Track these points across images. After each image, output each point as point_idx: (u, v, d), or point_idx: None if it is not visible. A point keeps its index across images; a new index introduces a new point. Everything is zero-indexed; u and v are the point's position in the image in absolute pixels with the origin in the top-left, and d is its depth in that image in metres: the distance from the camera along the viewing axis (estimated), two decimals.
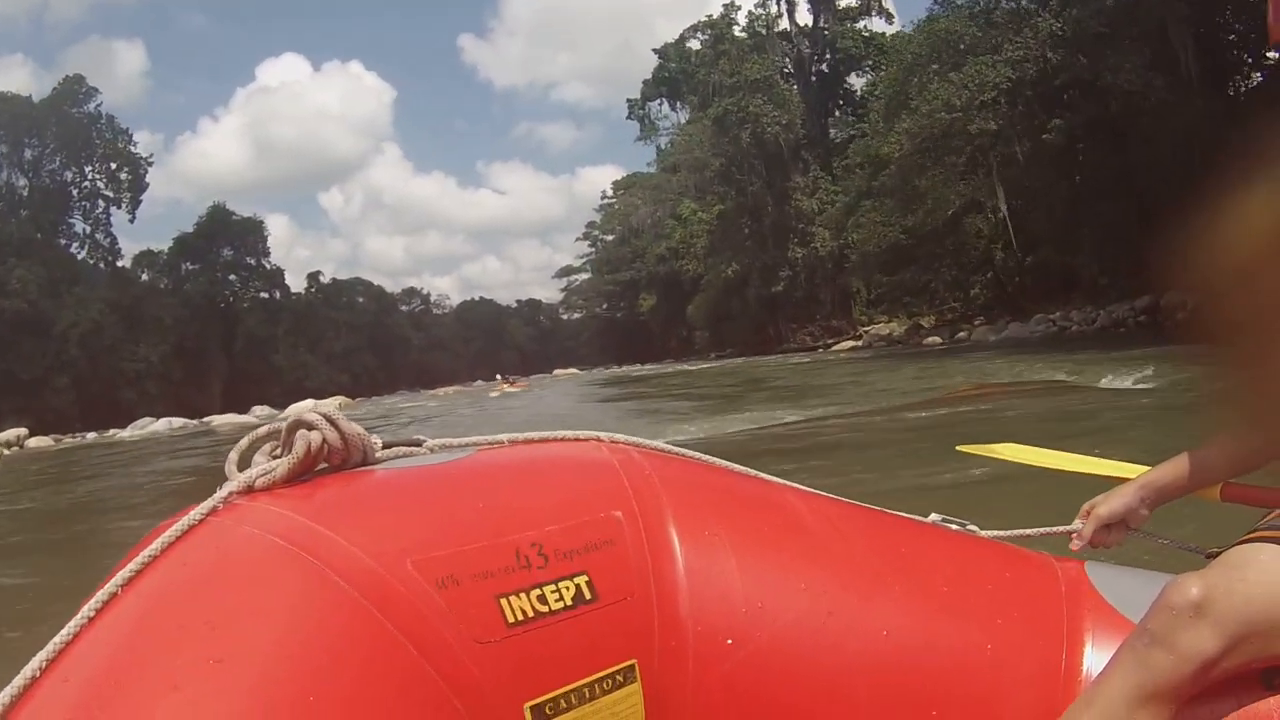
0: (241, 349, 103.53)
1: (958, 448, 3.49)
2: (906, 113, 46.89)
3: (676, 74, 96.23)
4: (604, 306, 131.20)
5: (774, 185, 78.58)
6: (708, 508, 1.77)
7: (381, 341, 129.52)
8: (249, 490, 1.54)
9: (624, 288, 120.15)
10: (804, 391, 25.74)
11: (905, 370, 28.26)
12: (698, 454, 1.96)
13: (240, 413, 72.31)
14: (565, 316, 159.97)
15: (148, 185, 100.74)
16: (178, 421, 64.16)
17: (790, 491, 1.92)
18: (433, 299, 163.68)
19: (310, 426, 1.59)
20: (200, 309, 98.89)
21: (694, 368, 65.48)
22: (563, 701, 1.50)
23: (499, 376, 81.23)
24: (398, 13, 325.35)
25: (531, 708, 1.47)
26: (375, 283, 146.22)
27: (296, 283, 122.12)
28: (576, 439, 1.88)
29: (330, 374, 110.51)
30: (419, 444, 1.78)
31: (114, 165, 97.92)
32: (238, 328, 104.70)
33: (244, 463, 1.61)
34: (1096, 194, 41.48)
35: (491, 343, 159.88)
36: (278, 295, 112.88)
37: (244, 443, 1.65)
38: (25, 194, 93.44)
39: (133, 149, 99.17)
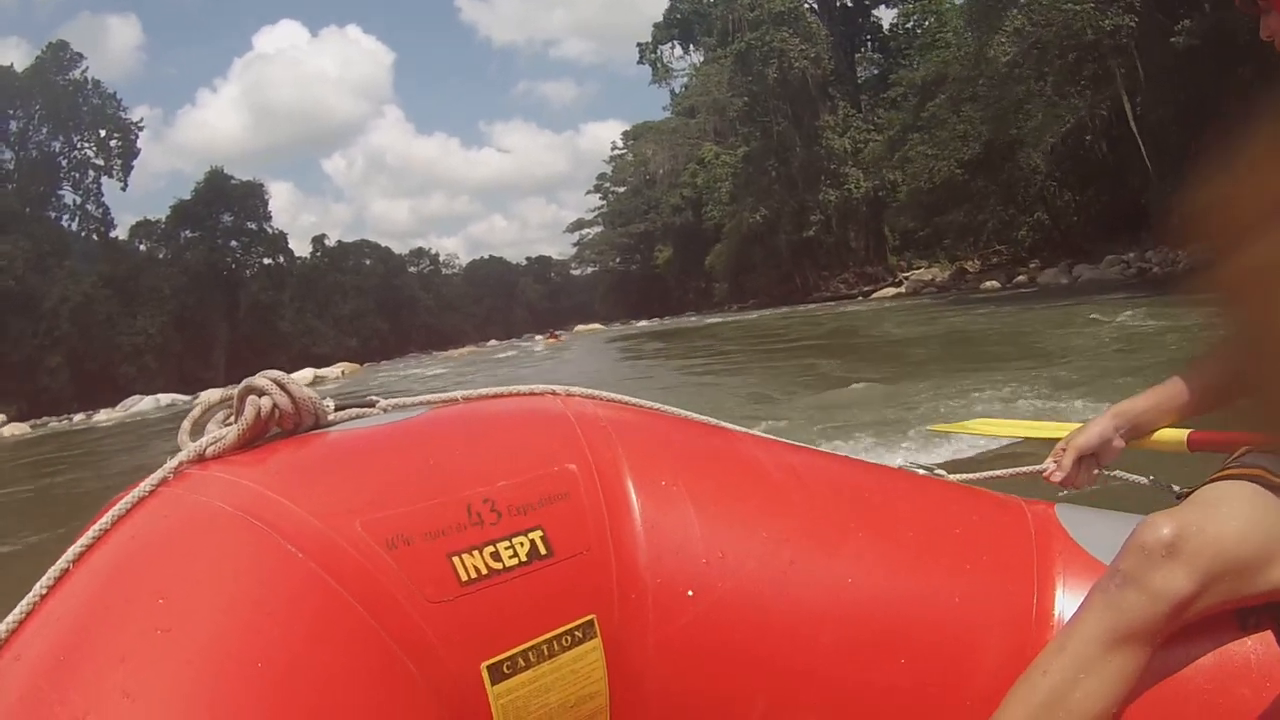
0: (246, 317, 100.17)
1: (928, 428, 3.71)
2: (1016, 10, 40.50)
3: (689, 15, 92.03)
4: (617, 260, 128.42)
5: (802, 125, 74.47)
6: (665, 458, 1.76)
7: (390, 304, 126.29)
8: (200, 459, 1.55)
9: (638, 240, 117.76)
10: (980, 352, 18.72)
11: (1055, 320, 21.45)
12: (655, 404, 1.94)
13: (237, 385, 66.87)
14: (577, 272, 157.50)
15: (139, 151, 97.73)
16: (166, 399, 60.30)
17: (751, 440, 1.92)
18: (441, 259, 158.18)
19: (260, 392, 1.60)
20: (201, 278, 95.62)
21: (731, 319, 61.15)
22: (520, 659, 1.51)
23: (549, 333, 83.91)
24: None
25: (489, 667, 1.48)
26: (382, 245, 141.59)
27: (303, 249, 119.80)
28: (531, 393, 1.87)
29: (339, 339, 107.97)
30: (372, 405, 1.77)
31: (103, 132, 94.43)
32: (241, 295, 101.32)
33: (197, 431, 1.62)
34: (1199, 114, 34.02)
35: (502, 301, 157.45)
36: (282, 260, 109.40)
37: (196, 411, 1.66)
38: (11, 167, 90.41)
39: (122, 114, 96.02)
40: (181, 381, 75.62)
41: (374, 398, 1.79)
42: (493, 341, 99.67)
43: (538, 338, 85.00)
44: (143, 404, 59.21)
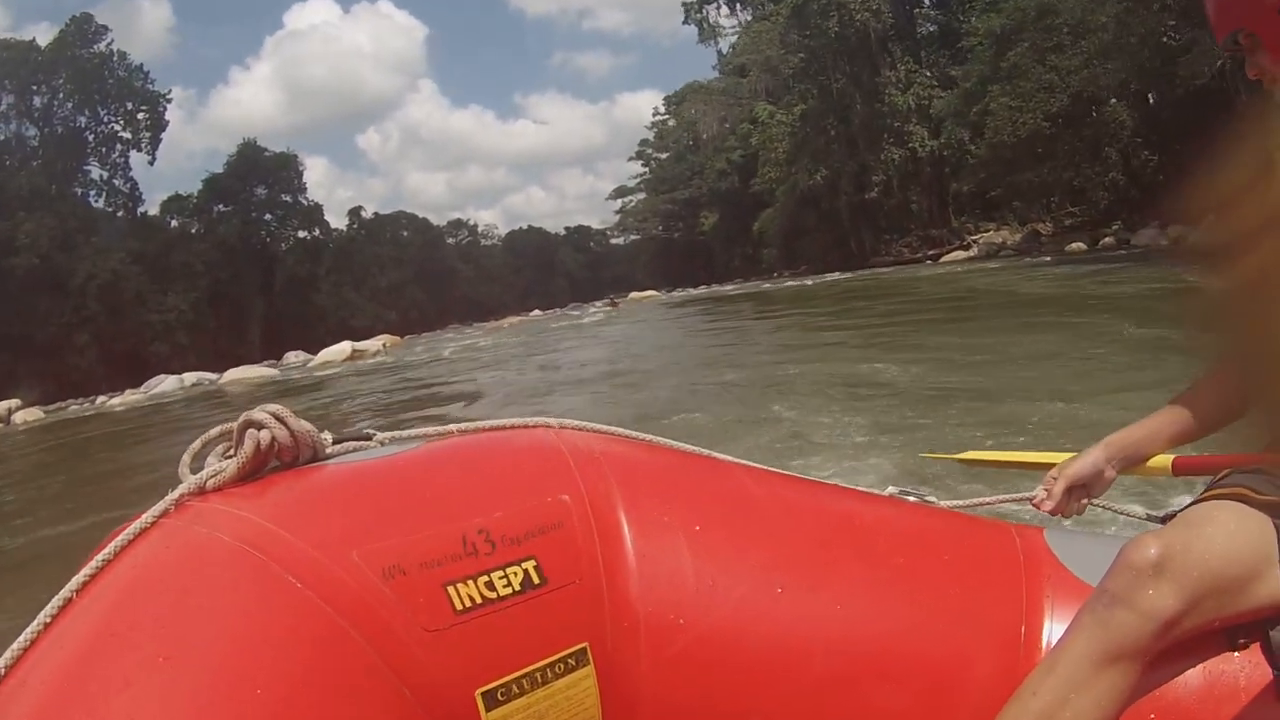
0: (282, 291, 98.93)
1: (921, 455, 3.82)
2: None
3: None
4: (660, 228, 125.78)
5: (861, 82, 71.74)
6: (656, 488, 1.81)
7: (429, 275, 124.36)
8: (201, 491, 1.61)
9: (681, 206, 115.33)
10: None
11: None
12: (646, 435, 1.99)
13: (277, 359, 68.05)
14: (618, 241, 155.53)
15: (167, 124, 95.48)
16: (191, 378, 57.65)
17: (740, 469, 1.97)
18: (480, 230, 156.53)
19: (259, 426, 1.66)
20: (235, 252, 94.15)
21: (803, 284, 56.65)
22: (515, 687, 1.55)
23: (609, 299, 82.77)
24: None
25: (483, 694, 1.52)
26: (420, 216, 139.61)
27: (339, 223, 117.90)
28: (525, 426, 1.93)
29: (377, 311, 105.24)
30: (369, 438, 1.84)
31: (130, 105, 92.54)
32: (276, 269, 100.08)
33: (197, 464, 1.68)
34: None
35: (542, 272, 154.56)
36: (318, 233, 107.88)
37: (196, 444, 1.71)
38: (35, 144, 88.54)
39: (150, 86, 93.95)
40: (217, 358, 73.24)
41: (370, 431, 1.84)
42: (536, 311, 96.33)
43: (598, 303, 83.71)
44: (165, 384, 55.90)
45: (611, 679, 1.62)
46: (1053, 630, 1.71)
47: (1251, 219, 1.29)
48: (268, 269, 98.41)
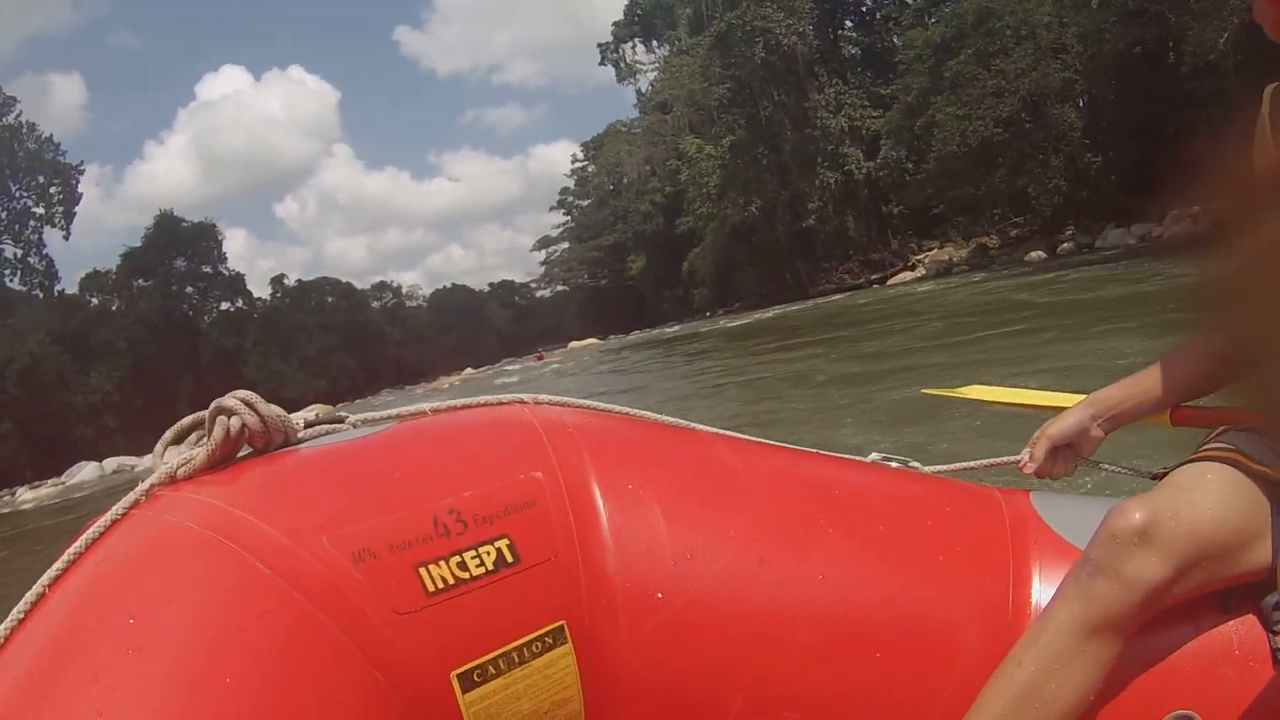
0: (209, 365, 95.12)
1: (923, 391, 3.44)
2: None
3: (651, 8, 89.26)
4: (587, 276, 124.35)
5: (789, 108, 69.90)
6: (632, 461, 1.79)
7: (357, 340, 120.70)
8: (172, 480, 1.59)
9: (607, 253, 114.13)
10: None
11: None
12: (622, 408, 1.97)
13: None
14: (546, 292, 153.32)
15: (80, 196, 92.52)
16: (112, 464, 54.86)
17: (718, 439, 1.95)
18: (404, 291, 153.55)
19: (229, 412, 1.65)
20: (157, 328, 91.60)
21: (756, 318, 52.36)
22: (490, 667, 1.54)
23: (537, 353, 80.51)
24: (331, 12, 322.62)
25: (459, 675, 1.51)
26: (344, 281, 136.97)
27: (262, 294, 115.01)
28: (499, 403, 1.91)
29: (307, 380, 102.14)
30: (341, 421, 1.83)
31: (42, 179, 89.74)
32: (201, 343, 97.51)
33: (170, 453, 1.67)
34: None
35: (470, 329, 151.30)
36: (241, 304, 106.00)
37: (169, 433, 1.71)
38: None
39: (61, 158, 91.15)
40: (146, 439, 66.73)
41: (342, 414, 1.83)
42: (469, 370, 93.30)
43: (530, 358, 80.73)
44: (85, 472, 53.71)
45: (591, 656, 1.61)
46: (1041, 596, 1.70)
47: (1259, 198, 1.11)
48: (192, 343, 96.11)
